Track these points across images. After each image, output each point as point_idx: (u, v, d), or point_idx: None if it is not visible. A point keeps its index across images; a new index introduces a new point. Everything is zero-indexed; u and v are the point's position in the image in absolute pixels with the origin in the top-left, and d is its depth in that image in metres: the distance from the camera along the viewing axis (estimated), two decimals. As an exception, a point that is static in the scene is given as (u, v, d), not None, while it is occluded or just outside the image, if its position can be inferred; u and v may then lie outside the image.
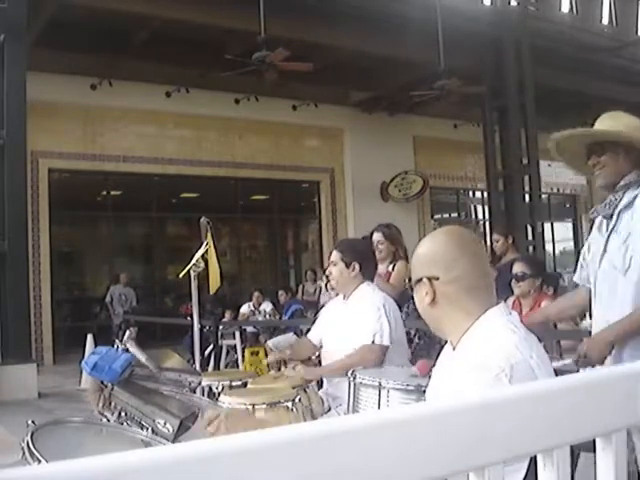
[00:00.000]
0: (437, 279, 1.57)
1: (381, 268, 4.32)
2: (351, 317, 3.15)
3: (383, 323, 3.04)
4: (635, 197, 2.23)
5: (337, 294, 3.54)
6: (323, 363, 3.29)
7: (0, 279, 8.04)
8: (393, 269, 4.50)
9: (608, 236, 2.29)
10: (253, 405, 2.47)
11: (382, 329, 3.02)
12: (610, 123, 2.33)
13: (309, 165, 13.95)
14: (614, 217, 2.27)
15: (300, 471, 0.71)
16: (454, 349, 1.59)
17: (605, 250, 2.30)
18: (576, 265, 2.57)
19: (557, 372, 1.66)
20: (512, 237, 5.96)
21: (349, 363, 2.93)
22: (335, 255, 3.25)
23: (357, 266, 3.20)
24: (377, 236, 4.70)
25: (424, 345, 4.31)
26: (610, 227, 2.29)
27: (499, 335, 1.50)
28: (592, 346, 2.24)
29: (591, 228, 2.51)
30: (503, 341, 1.48)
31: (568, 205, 19.01)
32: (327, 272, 3.34)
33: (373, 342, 3.00)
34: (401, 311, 3.50)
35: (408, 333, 3.75)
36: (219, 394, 2.72)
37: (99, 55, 10.48)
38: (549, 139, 2.55)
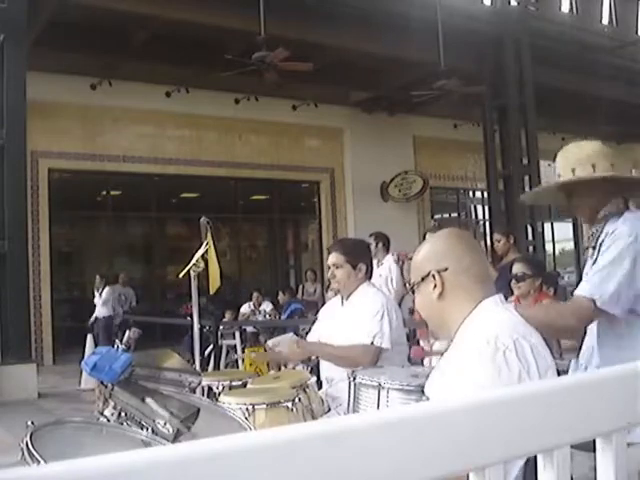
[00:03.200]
0: (446, 270, 1.66)
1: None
2: (351, 317, 3.14)
3: (384, 325, 3.02)
4: (614, 230, 2.20)
5: (336, 294, 3.53)
6: (322, 363, 3.28)
7: (0, 279, 8.04)
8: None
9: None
10: (253, 405, 2.47)
11: (382, 331, 3.00)
12: (564, 162, 2.31)
13: (309, 165, 13.94)
14: (596, 248, 2.27)
15: (300, 471, 0.71)
16: (452, 339, 1.64)
17: None
18: (578, 276, 2.58)
19: (558, 372, 1.67)
20: (513, 237, 5.96)
21: (343, 354, 2.98)
22: (339, 258, 3.19)
23: (364, 267, 3.20)
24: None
25: None
26: (594, 258, 2.28)
27: (497, 319, 1.60)
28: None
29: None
30: (502, 322, 1.58)
31: (568, 205, 18.99)
32: (329, 275, 3.26)
33: (372, 343, 2.99)
34: None
35: None
36: (219, 394, 2.72)
37: (99, 55, 10.46)
38: (521, 198, 2.66)
